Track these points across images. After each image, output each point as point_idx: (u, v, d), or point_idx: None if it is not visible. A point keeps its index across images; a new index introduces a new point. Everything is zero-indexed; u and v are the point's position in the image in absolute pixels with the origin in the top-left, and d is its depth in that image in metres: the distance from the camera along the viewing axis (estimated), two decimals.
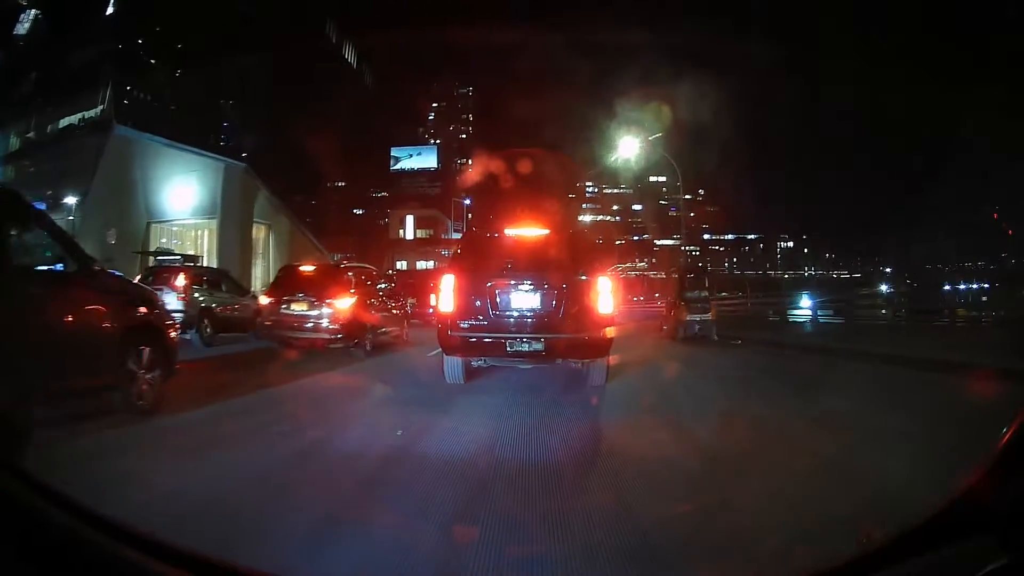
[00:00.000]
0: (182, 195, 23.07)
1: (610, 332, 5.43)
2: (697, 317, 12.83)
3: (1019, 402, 1.16)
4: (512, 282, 5.47)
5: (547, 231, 6.28)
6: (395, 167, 76.80)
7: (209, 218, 23.33)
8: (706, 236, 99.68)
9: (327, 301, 8.51)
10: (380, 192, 77.17)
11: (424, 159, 77.96)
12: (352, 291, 8.81)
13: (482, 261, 5.80)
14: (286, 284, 9.26)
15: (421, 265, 54.65)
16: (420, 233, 61.93)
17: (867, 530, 1.16)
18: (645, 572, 1.88)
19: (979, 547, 0.92)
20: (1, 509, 0.94)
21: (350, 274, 9.41)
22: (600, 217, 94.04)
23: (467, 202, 67.45)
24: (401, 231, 62.15)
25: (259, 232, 26.17)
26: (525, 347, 5.28)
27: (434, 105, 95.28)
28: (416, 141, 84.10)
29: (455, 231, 62.71)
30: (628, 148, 24.67)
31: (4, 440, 2.15)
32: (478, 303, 5.44)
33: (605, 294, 5.40)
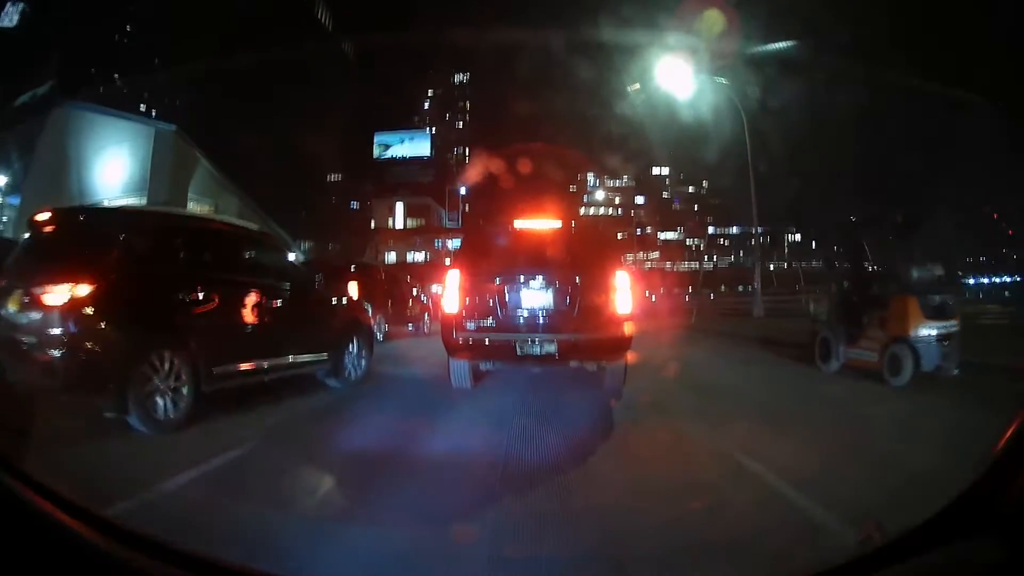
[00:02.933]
0: (113, 170, 21.18)
1: (628, 328, 5.17)
2: (935, 329, 6.01)
3: None
4: (522, 278, 5.25)
5: (559, 223, 6.07)
6: (385, 154, 76.34)
7: (139, 195, 20.85)
8: (711, 229, 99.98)
9: (37, 293, 3.83)
10: (371, 181, 76.91)
11: (416, 145, 77.51)
12: (107, 269, 4.00)
13: (490, 256, 5.60)
14: (25, 255, 4.48)
15: (410, 258, 54.61)
16: (411, 223, 61.64)
17: (867, 530, 1.19)
18: None
19: (979, 547, 0.95)
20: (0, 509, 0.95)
21: (117, 228, 4.34)
22: (602, 210, 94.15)
23: (462, 191, 67.34)
24: (390, 220, 61.75)
25: (200, 212, 24.39)
26: (536, 349, 5.05)
27: (429, 93, 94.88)
28: (410, 129, 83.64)
29: (450, 221, 62.61)
30: (675, 79, 17.91)
31: (4, 440, 2.13)
32: (486, 302, 5.23)
33: (623, 290, 5.17)
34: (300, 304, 5.48)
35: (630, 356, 5.42)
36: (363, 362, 6.25)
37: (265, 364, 4.92)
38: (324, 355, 5.63)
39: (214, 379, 4.36)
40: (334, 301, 6.33)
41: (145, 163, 21.09)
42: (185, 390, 4.09)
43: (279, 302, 5.26)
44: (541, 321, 5.20)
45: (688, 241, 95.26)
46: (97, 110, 22.72)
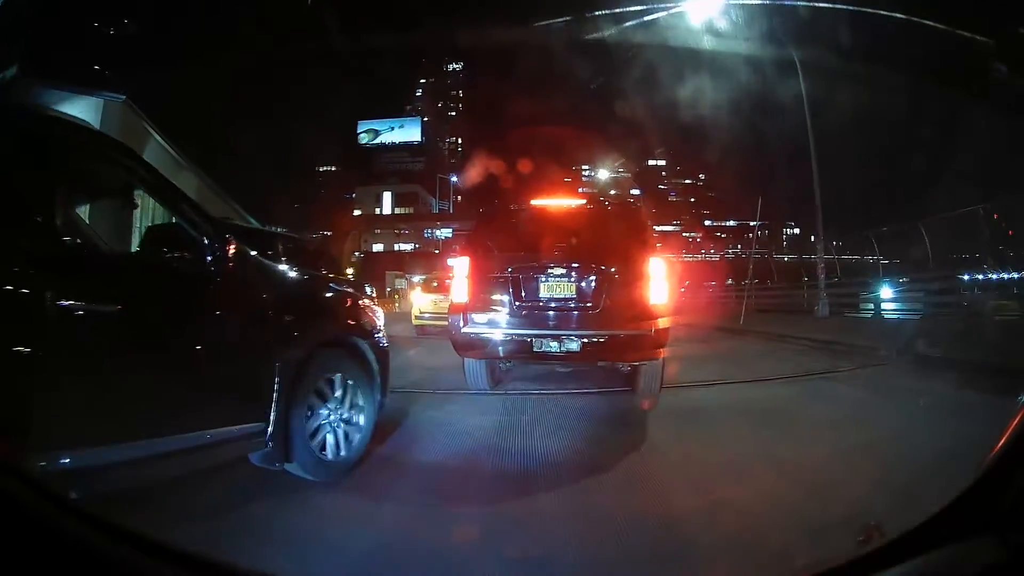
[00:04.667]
0: None
1: (663, 323, 4.64)
2: None
3: None
4: (540, 266, 4.78)
5: (583, 202, 5.74)
6: (374, 141, 75.76)
7: None
8: (707, 223, 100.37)
9: None
10: (359, 169, 76.24)
11: (406, 132, 77.02)
12: None
13: (504, 241, 5.13)
14: None
15: (397, 247, 54.39)
16: (399, 212, 61.35)
17: (867, 530, 1.21)
18: None
19: (979, 547, 0.97)
20: (1, 511, 0.95)
21: None
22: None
23: (454, 179, 67.05)
24: (377, 210, 61.36)
25: None
26: (556, 346, 4.57)
27: (422, 81, 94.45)
28: (400, 117, 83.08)
29: (440, 210, 62.35)
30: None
31: (4, 441, 2.05)
32: (498, 292, 4.80)
33: (658, 279, 4.67)
34: (193, 304, 2.54)
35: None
36: (360, 424, 3.23)
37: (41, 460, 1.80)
38: (257, 424, 2.62)
39: None
40: (285, 295, 3.02)
41: None
42: None
43: (124, 299, 2.16)
44: (562, 315, 4.76)
45: (685, 234, 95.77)
46: (52, 86, 22.02)
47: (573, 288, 4.77)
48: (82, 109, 21.04)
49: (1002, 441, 1.03)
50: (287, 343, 2.84)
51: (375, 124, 76.40)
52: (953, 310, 12.21)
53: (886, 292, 15.00)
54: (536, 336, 4.65)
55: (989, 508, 1.00)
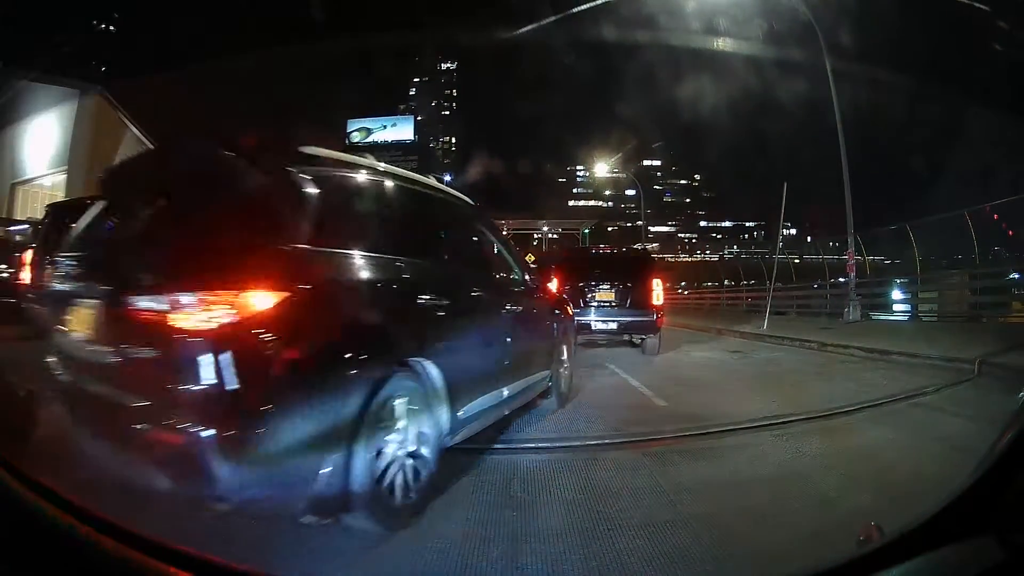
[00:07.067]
0: (41, 143, 19.32)
1: (660, 314, 8.54)
2: None
3: None
4: (595, 283, 8.74)
5: (620, 250, 11.03)
6: (367, 139, 75.64)
7: (60, 171, 18.82)
8: (703, 223, 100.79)
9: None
10: None
11: (399, 131, 76.97)
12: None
13: (575, 267, 9.10)
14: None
15: None
16: None
17: (867, 530, 1.22)
18: None
19: (979, 547, 0.98)
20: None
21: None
22: (592, 202, 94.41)
23: (447, 179, 67.05)
24: None
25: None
26: (603, 326, 8.51)
27: (415, 80, 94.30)
28: (392, 115, 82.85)
29: None
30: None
31: (3, 439, 2.05)
32: (574, 296, 8.06)
33: (657, 290, 8.62)
34: (524, 300, 4.20)
35: None
36: (569, 368, 5.11)
37: (505, 392, 3.40)
38: (547, 371, 4.43)
39: (460, 426, 2.77)
40: (540, 292, 4.77)
41: (67, 132, 19.13)
42: (426, 450, 2.45)
43: (511, 298, 3.95)
44: (607, 309, 8.64)
45: (680, 234, 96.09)
46: (27, 77, 21.18)
47: (612, 295, 8.69)
48: (59, 98, 19.36)
49: (1002, 441, 1.04)
50: (560, 321, 4.86)
51: (367, 122, 76.26)
52: (1001, 312, 11.67)
53: (926, 292, 14.04)
54: (593, 320, 8.48)
55: (989, 508, 1.01)
